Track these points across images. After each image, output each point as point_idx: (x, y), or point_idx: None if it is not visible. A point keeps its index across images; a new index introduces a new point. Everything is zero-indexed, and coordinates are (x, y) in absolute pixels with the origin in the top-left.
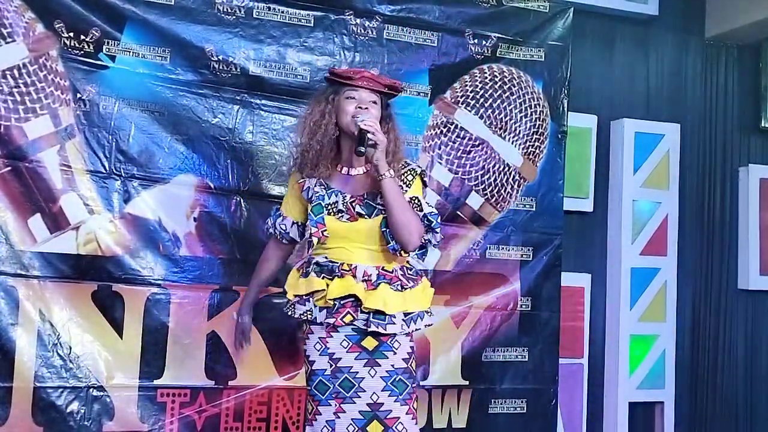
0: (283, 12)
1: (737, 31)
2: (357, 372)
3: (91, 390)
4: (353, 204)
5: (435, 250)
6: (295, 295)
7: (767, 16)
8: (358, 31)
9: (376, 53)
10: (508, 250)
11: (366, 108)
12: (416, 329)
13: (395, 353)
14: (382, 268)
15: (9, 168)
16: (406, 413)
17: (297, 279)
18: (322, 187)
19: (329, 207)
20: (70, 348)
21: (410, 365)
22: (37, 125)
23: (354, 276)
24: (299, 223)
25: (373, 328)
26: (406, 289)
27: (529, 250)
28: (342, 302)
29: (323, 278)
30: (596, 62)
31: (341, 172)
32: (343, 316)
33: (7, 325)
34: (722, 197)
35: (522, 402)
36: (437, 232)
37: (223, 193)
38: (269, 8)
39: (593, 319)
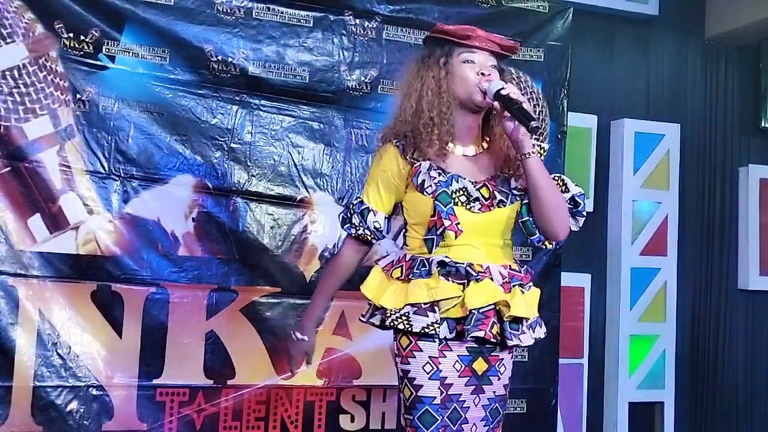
0: (282, 12)
1: (737, 31)
2: (464, 401)
3: (90, 389)
4: (482, 190)
5: None
6: (410, 304)
7: (767, 16)
8: (357, 31)
9: (375, 53)
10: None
11: (489, 75)
12: (538, 338)
13: (499, 378)
14: (511, 268)
15: (9, 168)
16: None
17: (395, 282)
18: (438, 171)
19: (455, 195)
20: (70, 347)
21: (507, 392)
22: (36, 126)
23: (492, 279)
24: (389, 220)
25: (513, 342)
26: (526, 291)
27: (528, 250)
28: (483, 312)
29: (453, 282)
30: (596, 62)
31: (455, 153)
32: (490, 328)
33: (6, 325)
34: (722, 197)
35: (522, 402)
36: (582, 216)
37: (221, 194)
38: (268, 9)
39: (593, 319)
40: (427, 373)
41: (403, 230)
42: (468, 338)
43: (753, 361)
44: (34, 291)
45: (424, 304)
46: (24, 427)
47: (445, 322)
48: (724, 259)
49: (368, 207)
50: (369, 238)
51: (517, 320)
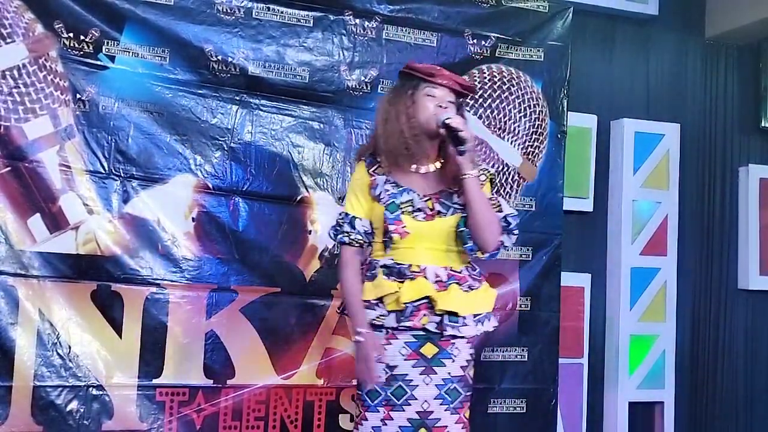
0: (282, 12)
1: (737, 31)
2: (411, 380)
3: (90, 389)
4: (428, 202)
5: None
6: (364, 300)
7: (767, 16)
8: (357, 31)
9: (375, 53)
10: (508, 250)
11: (446, 107)
12: (485, 331)
13: (453, 361)
14: (451, 269)
15: (9, 168)
16: (456, 422)
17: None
18: (392, 185)
19: (403, 205)
20: (70, 347)
21: (467, 373)
22: (36, 126)
23: (425, 277)
24: (372, 225)
25: (449, 332)
26: (473, 289)
27: (528, 249)
28: (416, 305)
29: (393, 281)
30: (596, 62)
31: (412, 171)
32: (420, 319)
33: (6, 325)
34: (722, 197)
35: (522, 402)
36: (515, 234)
37: (221, 194)
38: (268, 8)
39: (593, 319)
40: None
41: None
42: (400, 327)
43: (753, 361)
44: (34, 291)
45: (373, 300)
46: (24, 427)
47: (392, 314)
48: (724, 259)
49: (354, 216)
50: (362, 241)
51: (455, 314)
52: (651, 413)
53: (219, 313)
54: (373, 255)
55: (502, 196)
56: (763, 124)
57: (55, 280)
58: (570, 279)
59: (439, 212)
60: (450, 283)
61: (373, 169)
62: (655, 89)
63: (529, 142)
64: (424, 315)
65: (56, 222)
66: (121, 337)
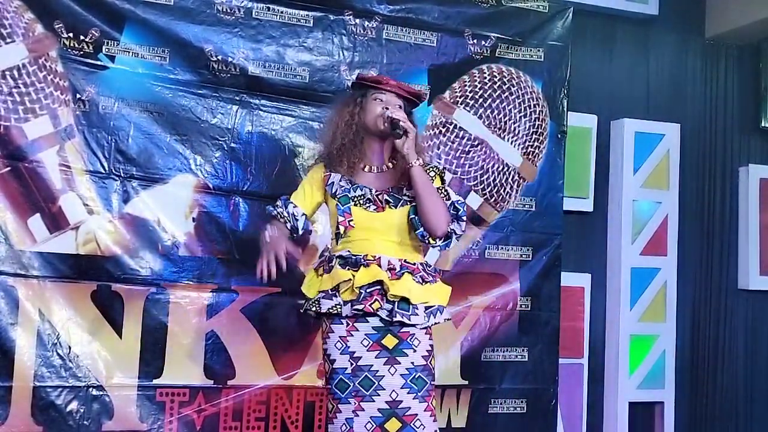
0: (282, 12)
1: (737, 31)
2: (377, 371)
3: (90, 389)
4: (379, 196)
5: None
6: (320, 291)
7: (767, 16)
8: (357, 31)
9: (375, 53)
10: (508, 250)
11: (393, 108)
12: (436, 323)
13: (415, 351)
14: (405, 261)
15: (9, 168)
16: (425, 410)
17: (317, 277)
18: (347, 181)
19: (356, 199)
20: (70, 347)
21: (429, 362)
22: (36, 126)
23: (379, 265)
24: (306, 218)
25: (398, 318)
26: (426, 282)
27: (528, 250)
28: (369, 290)
29: (348, 270)
30: (596, 62)
31: (365, 171)
32: (371, 303)
33: (6, 325)
34: (722, 197)
35: (522, 402)
36: (463, 221)
37: (222, 194)
38: (268, 8)
39: (593, 319)
40: (338, 350)
41: None
42: (352, 310)
43: (753, 361)
44: (34, 291)
45: (330, 290)
46: (24, 427)
47: (348, 304)
48: (724, 259)
49: (292, 201)
50: (286, 219)
51: (408, 303)
52: (651, 413)
53: (219, 314)
54: (333, 251)
55: (502, 196)
56: (763, 124)
57: (55, 280)
58: (570, 279)
59: (388, 202)
60: (403, 273)
61: (329, 169)
62: (655, 89)
63: (529, 142)
64: (376, 300)
65: (56, 222)
66: (121, 338)
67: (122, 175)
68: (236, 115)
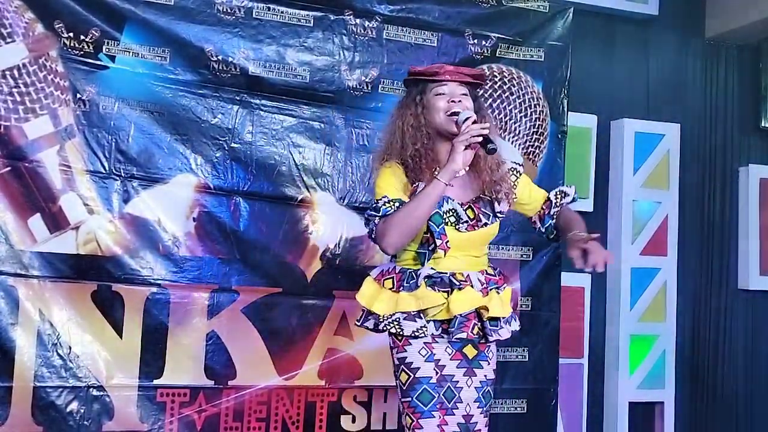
0: (282, 12)
1: (737, 31)
2: (458, 381)
3: (90, 390)
4: (468, 211)
5: None
6: (401, 312)
7: (767, 16)
8: (358, 31)
9: (376, 53)
10: (508, 250)
11: (459, 101)
12: (512, 331)
13: (489, 363)
14: (486, 272)
15: (9, 168)
16: (485, 425)
17: (386, 291)
18: None
19: (446, 215)
20: (70, 348)
21: (495, 374)
22: (36, 125)
23: (471, 286)
24: None
25: (495, 337)
26: (501, 291)
27: (529, 250)
28: (465, 315)
29: (438, 291)
30: (596, 62)
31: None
32: (472, 329)
33: (7, 325)
34: (722, 197)
35: (522, 402)
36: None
37: (222, 193)
38: (269, 8)
39: (593, 319)
40: (423, 357)
41: None
42: (453, 339)
43: (753, 361)
44: (34, 291)
45: (413, 312)
46: (24, 428)
47: (431, 322)
48: (724, 259)
49: (399, 199)
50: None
51: (495, 318)
52: (651, 413)
53: (220, 314)
54: (405, 263)
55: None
56: (763, 124)
57: (56, 281)
58: (570, 279)
59: (484, 223)
60: (490, 288)
61: (409, 175)
62: (655, 89)
63: (530, 142)
64: (474, 324)
65: (56, 222)
66: (121, 338)
67: (123, 175)
68: (237, 115)
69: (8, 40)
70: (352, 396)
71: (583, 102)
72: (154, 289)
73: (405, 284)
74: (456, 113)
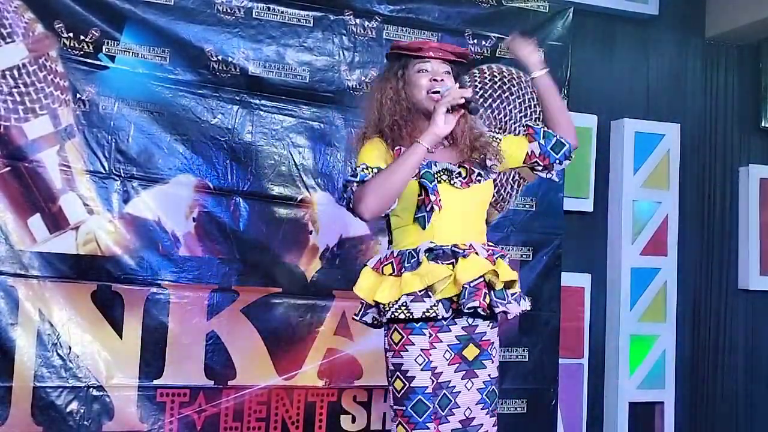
0: (282, 12)
1: (737, 31)
2: (454, 386)
3: (90, 390)
4: (464, 169)
5: None
6: (406, 294)
7: (767, 16)
8: (358, 31)
9: (376, 53)
10: (508, 250)
11: (441, 80)
12: (523, 310)
13: (492, 361)
14: (489, 244)
15: (9, 168)
16: (493, 425)
17: (387, 278)
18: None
19: (438, 175)
20: (70, 348)
21: (498, 370)
22: (36, 125)
23: (477, 254)
24: None
25: (501, 308)
26: (506, 260)
27: (529, 250)
28: (474, 284)
29: (442, 263)
30: (596, 62)
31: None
32: (483, 298)
33: (6, 325)
34: (722, 197)
35: (522, 402)
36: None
37: (222, 194)
38: (268, 8)
39: (593, 319)
40: (419, 365)
41: (387, 230)
42: (465, 310)
43: (753, 361)
44: (34, 291)
45: (420, 291)
46: (24, 428)
47: (440, 303)
48: (724, 259)
49: (377, 166)
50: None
51: (503, 290)
52: (651, 413)
53: (220, 314)
54: (401, 245)
55: (503, 197)
56: (763, 124)
57: (55, 281)
58: (570, 279)
59: (479, 175)
60: (497, 256)
61: (391, 143)
62: (655, 89)
63: None
64: (485, 294)
65: (56, 222)
66: (121, 338)
67: (122, 175)
68: (236, 115)
69: (8, 40)
70: (352, 396)
71: (583, 102)
72: (154, 289)
73: (406, 265)
74: (437, 92)
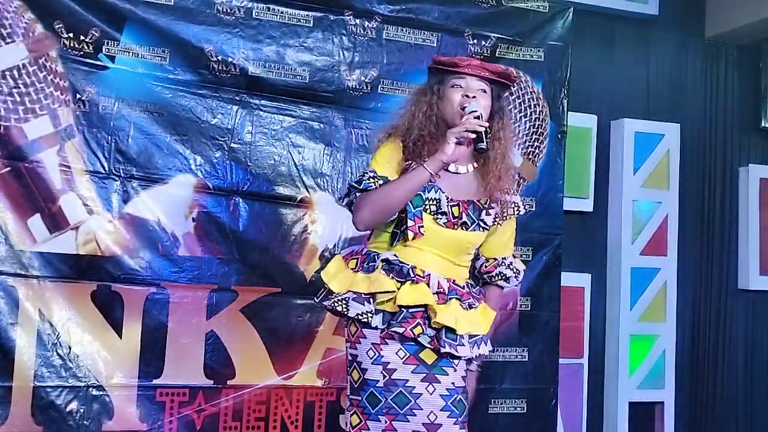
0: (282, 12)
1: (737, 31)
2: (413, 387)
3: (90, 389)
4: (455, 209)
5: None
6: (351, 291)
7: (767, 16)
8: (357, 31)
9: (376, 53)
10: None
11: (474, 96)
12: (479, 354)
13: (455, 370)
14: (454, 282)
15: (9, 168)
16: None
17: (347, 270)
18: None
19: (428, 203)
20: (70, 347)
21: (466, 384)
22: (36, 126)
23: (428, 284)
24: None
25: (447, 349)
26: (472, 308)
27: (528, 250)
28: (412, 312)
29: (392, 279)
30: (596, 62)
31: (446, 170)
32: (413, 327)
33: (7, 325)
34: (722, 197)
35: (522, 402)
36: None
37: (222, 194)
38: (268, 8)
39: (593, 319)
40: (371, 358)
41: None
42: (389, 331)
43: (753, 361)
44: (34, 291)
45: (364, 294)
46: (24, 427)
47: (381, 313)
48: (724, 259)
49: (386, 176)
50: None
51: (453, 331)
52: (651, 413)
53: (219, 314)
54: (373, 245)
55: None
56: (763, 124)
57: (55, 281)
58: (570, 279)
59: (464, 224)
60: (451, 297)
61: (407, 155)
62: (655, 89)
63: (530, 142)
64: (418, 324)
65: (56, 222)
66: (121, 338)
67: (122, 175)
68: (236, 115)
69: (8, 40)
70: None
71: (583, 102)
72: (154, 289)
73: (364, 266)
74: (464, 108)
